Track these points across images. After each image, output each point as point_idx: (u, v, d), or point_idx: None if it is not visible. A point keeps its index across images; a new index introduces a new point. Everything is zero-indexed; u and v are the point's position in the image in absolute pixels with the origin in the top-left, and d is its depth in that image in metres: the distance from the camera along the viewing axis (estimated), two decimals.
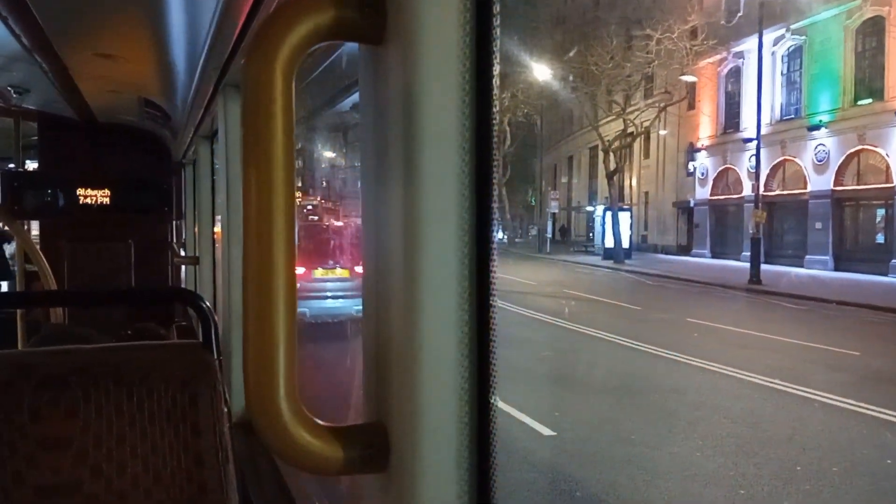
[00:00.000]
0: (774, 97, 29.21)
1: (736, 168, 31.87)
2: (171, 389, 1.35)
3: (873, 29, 25.10)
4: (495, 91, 0.74)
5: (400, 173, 0.74)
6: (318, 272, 12.14)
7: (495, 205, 0.76)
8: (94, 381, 1.31)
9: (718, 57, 31.65)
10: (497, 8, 0.74)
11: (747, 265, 22.56)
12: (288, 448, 0.78)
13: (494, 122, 0.75)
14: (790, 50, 28.94)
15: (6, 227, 4.17)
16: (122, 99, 3.64)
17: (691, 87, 32.73)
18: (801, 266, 26.26)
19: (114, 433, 1.31)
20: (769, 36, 26.85)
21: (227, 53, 2.01)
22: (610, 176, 32.99)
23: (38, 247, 4.00)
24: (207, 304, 1.59)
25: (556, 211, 45.18)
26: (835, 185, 26.46)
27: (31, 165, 5.53)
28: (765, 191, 26.28)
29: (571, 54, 33.30)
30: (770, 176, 28.95)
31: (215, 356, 1.44)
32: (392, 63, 0.76)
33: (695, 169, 34.53)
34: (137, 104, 3.77)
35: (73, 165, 4.52)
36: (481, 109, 0.74)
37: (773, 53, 28.68)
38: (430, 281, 0.72)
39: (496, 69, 0.74)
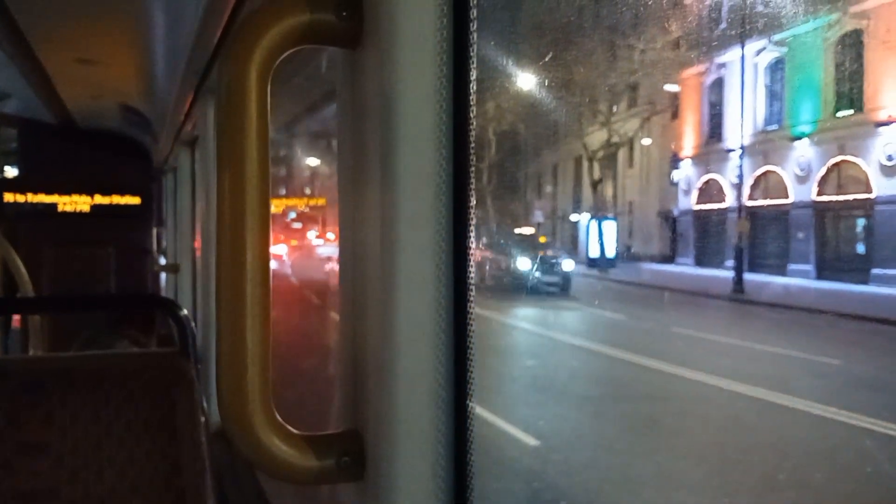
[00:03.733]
0: (757, 108, 29.53)
1: (719, 178, 32.11)
2: (148, 397, 1.34)
3: (852, 42, 25.46)
4: (473, 95, 0.74)
5: (377, 177, 0.73)
6: None
7: (473, 209, 0.75)
8: (71, 387, 1.30)
9: (702, 67, 31.94)
10: (474, 13, 0.73)
11: (731, 274, 22.71)
12: (262, 457, 0.76)
13: (472, 126, 0.74)
14: (772, 61, 29.28)
15: None
16: (103, 104, 3.61)
17: (675, 98, 33.02)
18: (784, 275, 26.42)
19: (91, 439, 1.29)
20: (751, 47, 27.20)
21: (207, 58, 2.00)
22: (594, 185, 33.16)
23: (15, 253, 3.95)
24: (185, 312, 1.58)
25: (542, 220, 45.23)
26: (816, 195, 26.73)
27: (11, 172, 5.47)
28: (748, 200, 26.54)
29: (555, 64, 33.47)
30: (753, 186, 29.21)
31: (193, 365, 1.43)
32: (369, 67, 0.75)
33: (679, 179, 34.77)
34: (118, 110, 3.75)
35: (54, 171, 4.47)
36: (459, 113, 0.73)
37: (755, 65, 29.02)
38: (407, 286, 0.71)
39: (474, 74, 0.74)
